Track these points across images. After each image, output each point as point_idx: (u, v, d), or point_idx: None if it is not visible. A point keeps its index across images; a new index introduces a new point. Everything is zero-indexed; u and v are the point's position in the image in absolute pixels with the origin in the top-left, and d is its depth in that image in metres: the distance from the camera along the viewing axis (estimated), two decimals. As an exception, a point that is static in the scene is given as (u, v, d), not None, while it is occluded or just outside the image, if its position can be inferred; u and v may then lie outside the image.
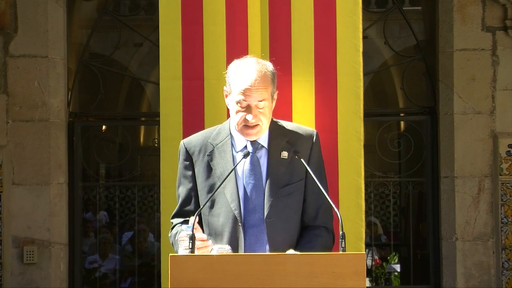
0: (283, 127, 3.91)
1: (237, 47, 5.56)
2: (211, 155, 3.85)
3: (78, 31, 8.13)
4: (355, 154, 5.51)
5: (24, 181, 7.13)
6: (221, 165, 3.81)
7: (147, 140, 13.75)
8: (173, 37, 5.60)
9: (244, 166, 3.81)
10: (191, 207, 3.87)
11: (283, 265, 3.40)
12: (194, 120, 5.56)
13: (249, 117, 3.74)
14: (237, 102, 3.75)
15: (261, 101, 3.74)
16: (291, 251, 3.65)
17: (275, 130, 3.87)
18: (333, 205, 3.59)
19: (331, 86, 5.57)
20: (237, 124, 3.78)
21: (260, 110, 3.75)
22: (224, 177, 3.75)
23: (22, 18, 7.16)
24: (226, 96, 3.85)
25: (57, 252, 7.18)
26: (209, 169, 3.84)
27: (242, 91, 3.73)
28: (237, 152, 3.84)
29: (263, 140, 3.85)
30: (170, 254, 3.42)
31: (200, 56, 5.60)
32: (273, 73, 3.83)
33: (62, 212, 7.23)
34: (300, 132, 3.91)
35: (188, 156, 3.89)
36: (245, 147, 3.84)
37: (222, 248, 3.53)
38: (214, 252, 3.52)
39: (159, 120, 5.71)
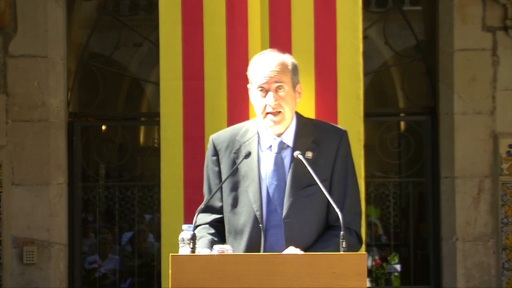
0: (310, 125, 3.89)
1: (237, 47, 5.56)
2: (237, 152, 3.84)
3: (78, 31, 8.13)
4: (355, 154, 5.42)
5: (24, 181, 7.12)
6: (246, 164, 3.80)
7: (147, 140, 13.74)
8: (173, 37, 5.60)
9: (268, 166, 3.81)
10: (216, 203, 3.86)
11: (284, 265, 3.39)
12: (194, 120, 5.56)
13: (270, 100, 3.74)
14: (258, 88, 3.77)
15: (279, 84, 3.74)
16: (291, 249, 3.64)
17: (302, 128, 3.85)
18: (334, 205, 3.57)
19: (331, 86, 5.57)
20: (260, 113, 3.78)
21: (281, 95, 3.75)
22: (249, 175, 3.77)
23: (22, 18, 7.15)
24: (250, 94, 3.86)
25: (56, 253, 7.17)
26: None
27: (261, 77, 3.76)
28: (262, 151, 3.83)
29: (289, 139, 3.83)
30: (170, 254, 3.42)
31: (200, 56, 5.60)
32: (294, 64, 3.85)
33: (62, 213, 7.22)
34: (328, 131, 3.89)
35: (215, 152, 3.89)
36: (270, 146, 3.83)
37: (223, 248, 3.52)
38: (214, 252, 3.51)
39: (159, 120, 5.71)
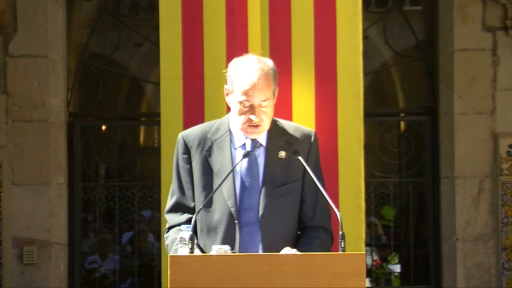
0: (282, 127, 3.91)
1: (237, 47, 5.56)
2: (209, 150, 3.85)
3: (78, 31, 8.13)
4: (355, 154, 5.50)
5: (24, 181, 7.12)
6: (219, 161, 3.81)
7: (147, 140, 13.73)
8: (173, 37, 5.59)
9: (242, 164, 3.81)
10: (188, 201, 3.86)
11: (283, 266, 3.39)
12: (194, 120, 5.54)
13: (253, 117, 3.74)
14: (240, 102, 3.75)
15: (264, 100, 3.74)
16: (287, 249, 3.64)
17: (274, 129, 3.87)
18: (333, 205, 3.59)
19: (331, 86, 5.57)
20: (241, 124, 3.78)
21: (263, 109, 3.76)
22: (222, 173, 3.75)
23: (22, 18, 7.15)
24: (227, 94, 3.85)
25: (56, 253, 7.17)
26: (206, 165, 3.83)
27: (245, 91, 3.73)
28: (236, 148, 3.84)
29: (262, 138, 3.85)
30: (169, 254, 3.43)
31: (200, 56, 5.60)
32: (274, 70, 3.84)
33: (62, 213, 7.23)
34: (299, 132, 3.91)
35: (187, 150, 3.88)
36: (244, 144, 3.84)
37: (222, 249, 3.52)
38: (213, 252, 3.51)
39: (159, 120, 5.71)
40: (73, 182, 7.37)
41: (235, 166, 3.77)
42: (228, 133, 3.86)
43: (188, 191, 3.87)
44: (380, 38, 8.52)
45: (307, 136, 3.90)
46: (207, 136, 3.88)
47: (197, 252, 3.60)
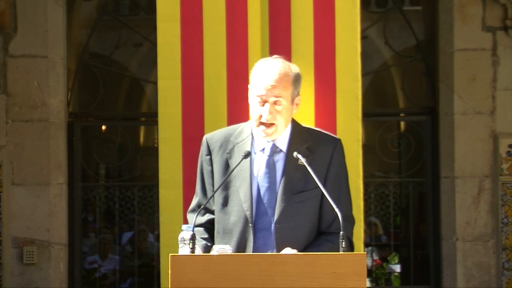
0: (305, 132, 3.89)
1: (237, 47, 5.56)
2: (230, 153, 3.85)
3: (78, 31, 8.13)
4: (354, 154, 5.49)
5: (24, 181, 7.11)
6: (238, 164, 3.78)
7: (147, 140, 13.73)
8: (172, 35, 5.58)
9: (260, 168, 3.81)
10: (209, 203, 3.87)
11: (284, 266, 3.40)
12: (193, 120, 5.54)
13: (265, 112, 3.74)
14: (256, 99, 3.76)
15: (278, 98, 3.74)
16: (288, 249, 3.64)
17: (296, 135, 3.85)
18: (333, 205, 3.58)
19: (330, 86, 5.57)
20: (254, 120, 3.79)
21: (277, 108, 3.75)
22: (240, 176, 3.77)
23: (22, 18, 7.15)
24: (249, 95, 3.85)
25: (56, 253, 7.17)
26: (226, 167, 3.84)
27: (261, 87, 3.74)
28: (255, 152, 3.83)
29: (283, 144, 3.83)
30: (170, 254, 3.42)
31: (199, 55, 5.59)
32: (297, 75, 3.83)
33: (62, 213, 7.22)
34: (322, 138, 3.89)
35: (209, 151, 3.90)
36: (264, 149, 3.83)
37: (223, 248, 3.52)
38: (214, 252, 3.51)
39: (158, 120, 5.70)
40: (73, 182, 7.37)
41: (233, 169, 3.76)
42: (250, 137, 3.85)
43: (209, 193, 3.88)
44: (380, 38, 8.52)
45: (330, 143, 3.87)
46: (230, 139, 3.88)
47: (198, 251, 3.60)
